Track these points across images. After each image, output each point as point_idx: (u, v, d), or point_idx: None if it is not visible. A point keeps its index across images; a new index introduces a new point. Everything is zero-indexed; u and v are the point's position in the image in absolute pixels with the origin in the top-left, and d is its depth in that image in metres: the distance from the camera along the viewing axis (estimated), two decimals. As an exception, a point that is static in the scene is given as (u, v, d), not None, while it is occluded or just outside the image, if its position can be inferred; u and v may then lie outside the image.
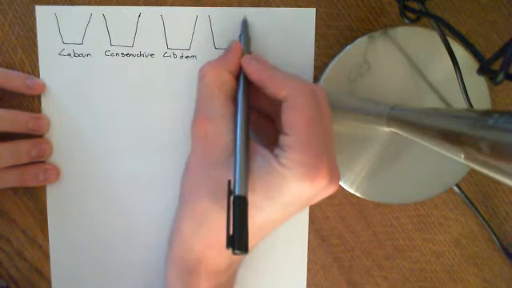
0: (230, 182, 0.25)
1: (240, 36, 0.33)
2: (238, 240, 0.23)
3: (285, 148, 0.26)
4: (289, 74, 0.28)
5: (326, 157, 0.26)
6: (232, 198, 0.24)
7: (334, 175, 0.26)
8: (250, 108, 0.29)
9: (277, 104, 0.28)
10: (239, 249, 0.23)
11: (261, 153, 0.27)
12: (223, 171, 0.26)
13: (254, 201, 0.26)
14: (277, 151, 0.26)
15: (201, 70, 0.29)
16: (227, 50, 0.31)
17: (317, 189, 0.26)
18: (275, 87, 0.27)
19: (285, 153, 0.25)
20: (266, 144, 0.31)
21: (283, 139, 0.26)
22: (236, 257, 0.30)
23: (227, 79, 0.29)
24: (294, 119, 0.26)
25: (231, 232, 0.23)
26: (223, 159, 0.27)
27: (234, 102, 0.29)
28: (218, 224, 0.26)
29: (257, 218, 0.27)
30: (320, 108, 0.27)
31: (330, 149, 0.27)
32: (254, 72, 0.29)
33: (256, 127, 0.33)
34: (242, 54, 0.30)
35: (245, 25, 0.33)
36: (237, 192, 0.24)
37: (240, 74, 0.30)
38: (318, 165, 0.25)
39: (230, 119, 0.28)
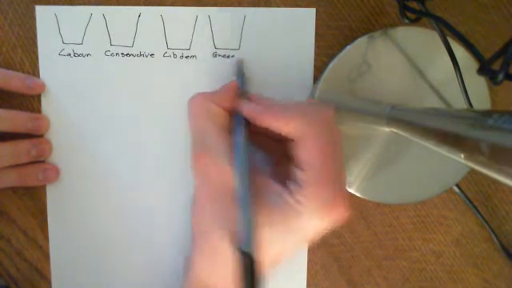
0: (236, 233, 0.24)
1: (237, 77, 0.31)
2: None
3: (300, 183, 0.25)
4: (292, 104, 0.27)
5: (341, 188, 0.25)
6: (241, 256, 0.23)
7: (347, 203, 0.26)
8: (249, 148, 0.27)
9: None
10: None
11: (274, 189, 0.26)
12: (228, 204, 0.25)
13: (272, 236, 0.25)
14: (292, 186, 0.25)
15: (189, 101, 0.28)
16: (220, 87, 0.30)
17: (334, 220, 0.25)
18: (281, 123, 0.26)
19: (300, 188, 0.25)
20: (273, 163, 0.30)
21: (298, 174, 0.25)
22: None
23: (217, 112, 0.28)
24: (309, 153, 0.25)
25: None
26: (227, 192, 0.26)
27: (230, 134, 0.28)
28: (229, 258, 0.25)
29: (277, 249, 0.26)
30: (333, 135, 0.26)
31: (343, 176, 0.26)
32: (253, 114, 0.27)
33: (263, 148, 0.32)
34: (239, 94, 0.29)
35: (240, 65, 0.33)
36: (245, 249, 0.23)
37: (236, 115, 0.29)
38: (335, 198, 0.25)
39: (227, 151, 0.26)
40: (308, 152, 0.25)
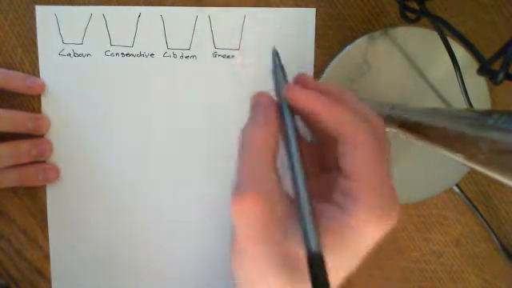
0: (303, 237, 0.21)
1: (273, 71, 0.27)
2: None
3: (351, 194, 0.22)
4: (343, 100, 0.24)
5: (393, 192, 0.23)
6: (311, 258, 0.20)
7: (398, 205, 0.24)
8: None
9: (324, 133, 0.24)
10: None
11: (321, 210, 0.23)
12: (290, 243, 0.22)
13: (331, 262, 0.21)
14: (341, 201, 0.22)
15: (247, 133, 0.23)
16: (261, 108, 0.24)
17: (391, 226, 0.23)
18: (333, 121, 0.22)
19: (353, 201, 0.22)
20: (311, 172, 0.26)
21: (348, 184, 0.22)
22: None
23: (272, 140, 0.23)
24: (360, 159, 0.22)
25: None
26: (280, 231, 0.22)
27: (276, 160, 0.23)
28: None
29: (337, 277, 0.23)
30: (383, 141, 0.23)
31: (392, 182, 0.24)
32: (306, 104, 0.23)
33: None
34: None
35: (276, 56, 0.27)
36: (314, 249, 0.20)
37: (286, 124, 0.24)
38: (390, 203, 0.22)
39: (279, 184, 0.23)
40: (359, 158, 0.22)
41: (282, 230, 0.22)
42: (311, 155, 0.27)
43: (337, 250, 0.22)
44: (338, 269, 0.23)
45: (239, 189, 0.22)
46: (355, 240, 0.22)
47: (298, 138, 0.23)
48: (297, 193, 0.22)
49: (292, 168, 0.23)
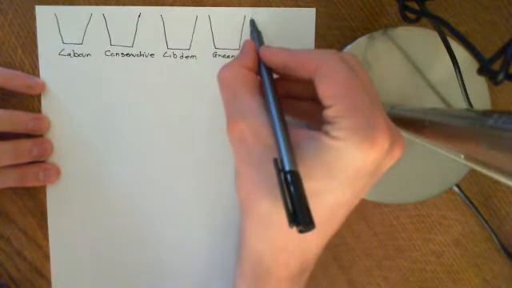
0: (275, 160, 0.22)
1: (251, 34, 0.31)
2: (300, 213, 0.20)
3: (332, 120, 0.23)
4: (309, 49, 0.27)
5: (380, 114, 0.23)
6: (283, 176, 0.22)
7: (396, 134, 0.24)
8: (279, 95, 0.26)
9: (311, 83, 0.25)
10: (304, 222, 0.20)
11: (307, 135, 0.24)
12: (268, 165, 0.24)
13: (315, 187, 0.23)
14: (325, 128, 0.23)
15: (218, 75, 0.27)
16: (240, 50, 0.29)
17: (380, 152, 0.23)
18: (300, 64, 0.25)
19: (334, 125, 0.23)
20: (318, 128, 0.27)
21: (327, 112, 0.23)
22: (307, 258, 0.27)
23: (246, 74, 0.27)
24: (332, 87, 0.23)
25: (290, 208, 0.21)
26: (268, 154, 0.24)
27: (262, 96, 0.27)
28: (284, 223, 0.22)
29: (325, 204, 0.24)
30: (355, 70, 0.24)
31: (381, 108, 0.24)
32: (273, 57, 0.27)
33: (303, 115, 0.30)
34: (257, 50, 0.28)
35: (253, 23, 0.33)
36: (286, 168, 0.22)
37: (261, 67, 0.28)
38: (374, 124, 0.22)
39: (262, 112, 0.25)
40: (332, 86, 0.23)
41: (266, 154, 0.24)
42: (310, 109, 0.29)
43: (319, 175, 0.23)
44: (323, 193, 0.24)
45: (227, 120, 0.26)
46: (335, 161, 0.23)
47: (273, 79, 0.27)
48: (271, 117, 0.25)
49: (266, 96, 0.26)
